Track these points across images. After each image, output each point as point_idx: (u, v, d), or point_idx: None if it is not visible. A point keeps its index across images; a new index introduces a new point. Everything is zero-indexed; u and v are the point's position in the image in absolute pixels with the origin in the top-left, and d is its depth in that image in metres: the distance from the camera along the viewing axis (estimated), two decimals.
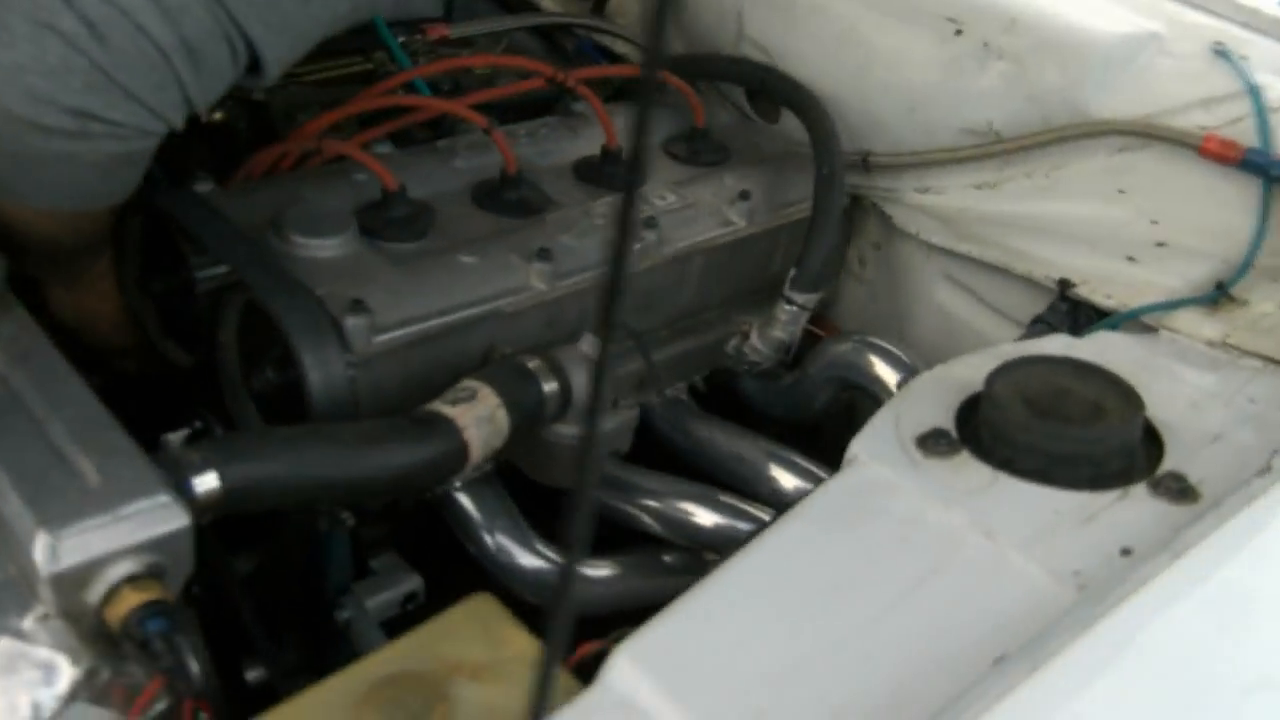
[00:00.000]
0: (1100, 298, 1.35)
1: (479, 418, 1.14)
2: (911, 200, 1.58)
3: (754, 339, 1.48)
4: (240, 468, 1.01)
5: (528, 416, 1.21)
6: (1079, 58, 1.44)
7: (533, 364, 1.23)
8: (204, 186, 1.32)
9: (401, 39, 1.69)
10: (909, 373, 1.43)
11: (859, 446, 1.00)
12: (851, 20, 1.58)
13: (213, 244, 1.23)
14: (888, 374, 1.45)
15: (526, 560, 1.32)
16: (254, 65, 1.11)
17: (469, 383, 1.18)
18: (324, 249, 1.25)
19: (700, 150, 1.58)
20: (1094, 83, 1.43)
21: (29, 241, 1.24)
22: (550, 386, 1.23)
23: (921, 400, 1.05)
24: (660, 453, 1.50)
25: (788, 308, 1.44)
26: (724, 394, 1.59)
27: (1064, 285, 1.36)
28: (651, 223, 1.39)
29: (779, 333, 1.45)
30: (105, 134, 1.02)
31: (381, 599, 1.34)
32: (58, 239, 1.25)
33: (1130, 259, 1.40)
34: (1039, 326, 1.36)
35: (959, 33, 1.50)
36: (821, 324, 1.69)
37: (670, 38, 1.79)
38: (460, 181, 1.43)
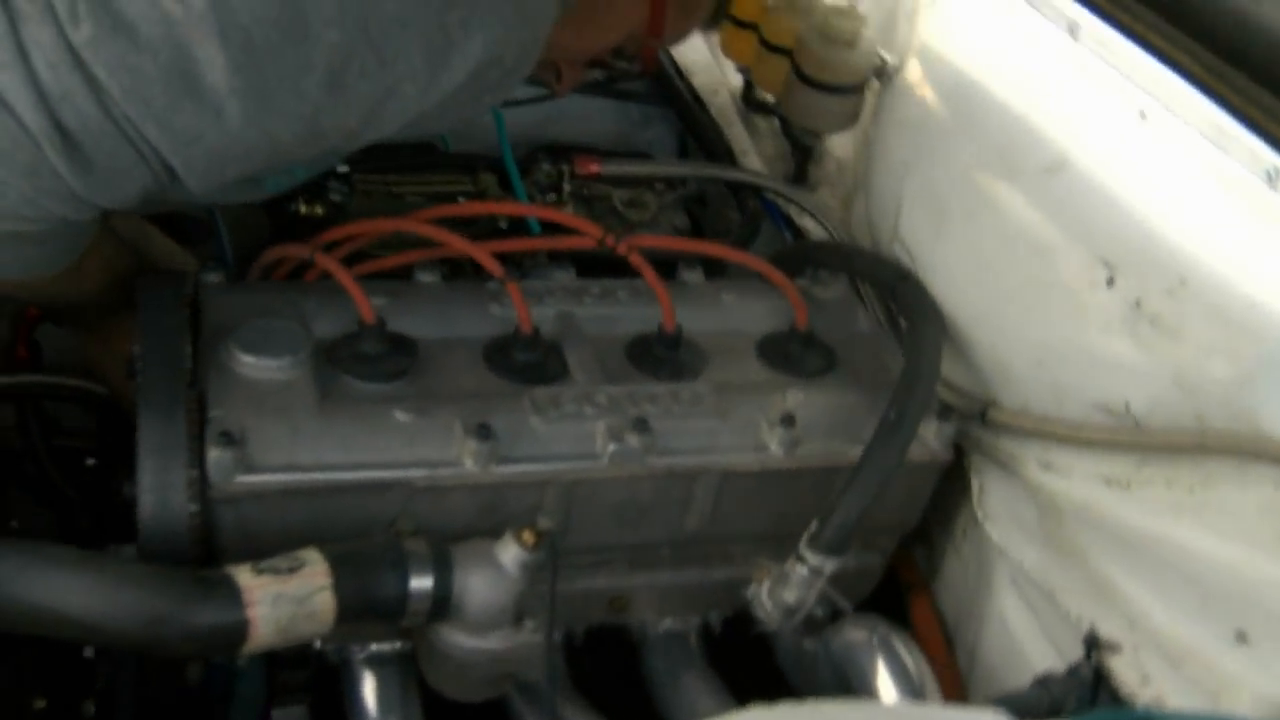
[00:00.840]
0: (1133, 679, 0.99)
1: (280, 595, 1.00)
2: (1032, 475, 1.25)
3: (763, 593, 1.22)
4: None
5: (374, 609, 1.05)
6: (1259, 348, 1.08)
7: (412, 550, 1.07)
8: (211, 276, 1.27)
9: (546, 166, 1.59)
10: (912, 694, 1.12)
11: None
12: (1002, 239, 1.29)
13: (149, 332, 1.17)
14: (887, 690, 1.15)
15: None
16: None
17: (307, 553, 1.03)
18: (261, 369, 1.16)
19: (792, 354, 1.34)
20: (1273, 388, 1.06)
21: (31, 299, 1.25)
22: (421, 583, 1.06)
23: None
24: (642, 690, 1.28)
25: (799, 568, 1.17)
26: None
27: (1091, 644, 1.01)
28: (642, 425, 1.18)
29: (788, 594, 1.19)
30: None
31: None
32: (50, 296, 1.25)
33: (1241, 637, 1.02)
34: (1035, 691, 1.01)
35: (1110, 282, 1.18)
36: (915, 596, 1.40)
37: (840, 223, 1.57)
38: (485, 330, 1.29)
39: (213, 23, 0.93)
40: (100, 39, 0.91)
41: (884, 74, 1.56)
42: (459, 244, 1.29)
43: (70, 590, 0.96)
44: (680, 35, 1.45)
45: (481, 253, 1.27)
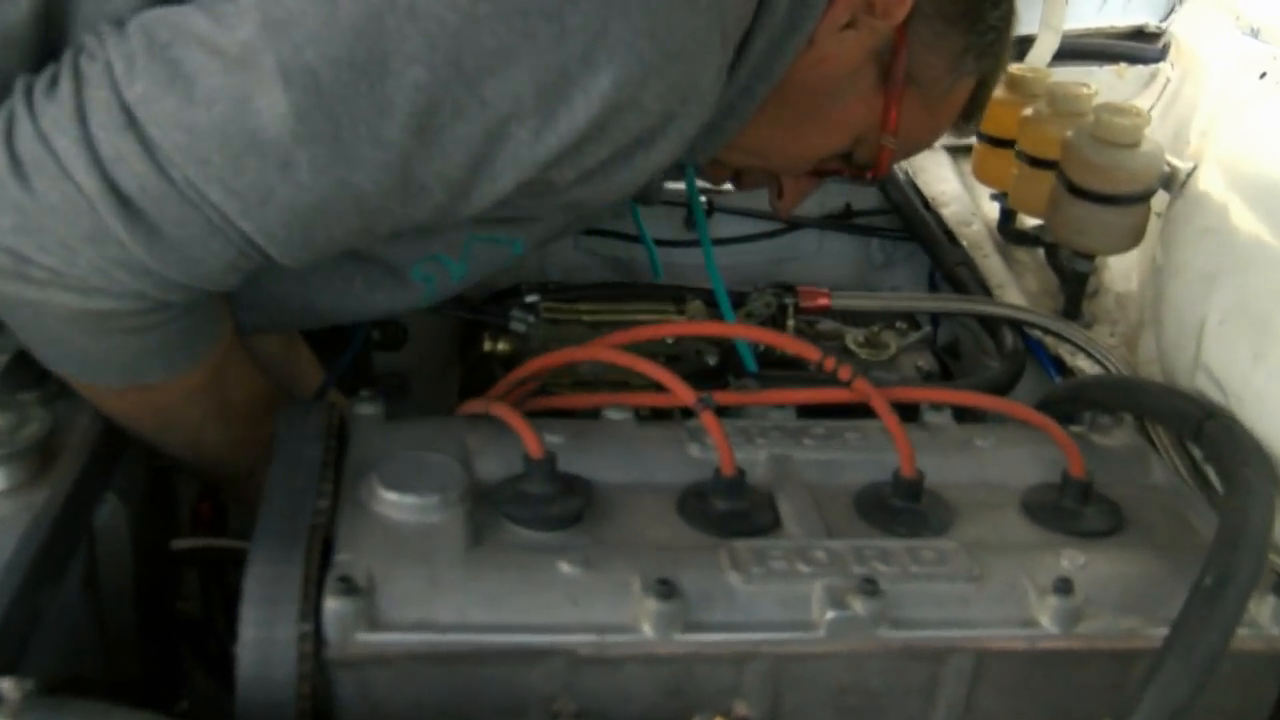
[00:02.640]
0: None
1: None
2: None
3: None
4: None
5: None
6: None
7: None
8: (366, 407, 1.10)
9: (767, 297, 1.38)
10: None
11: None
12: None
13: (277, 462, 1.00)
14: None
15: None
16: None
17: None
18: (403, 509, 0.97)
19: (1065, 510, 1.06)
20: None
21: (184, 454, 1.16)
22: None
23: None
24: None
25: None
26: None
27: None
28: (870, 588, 0.92)
29: None
30: (49, 281, 0.90)
31: None
32: (197, 440, 1.13)
33: None
34: None
35: None
36: None
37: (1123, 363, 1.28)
38: (681, 475, 1.07)
39: (273, 65, 0.83)
40: (152, 95, 0.85)
41: (1174, 181, 1.29)
42: (645, 366, 1.07)
43: None
44: (922, 137, 1.23)
45: (666, 374, 1.06)
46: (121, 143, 0.85)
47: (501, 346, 1.32)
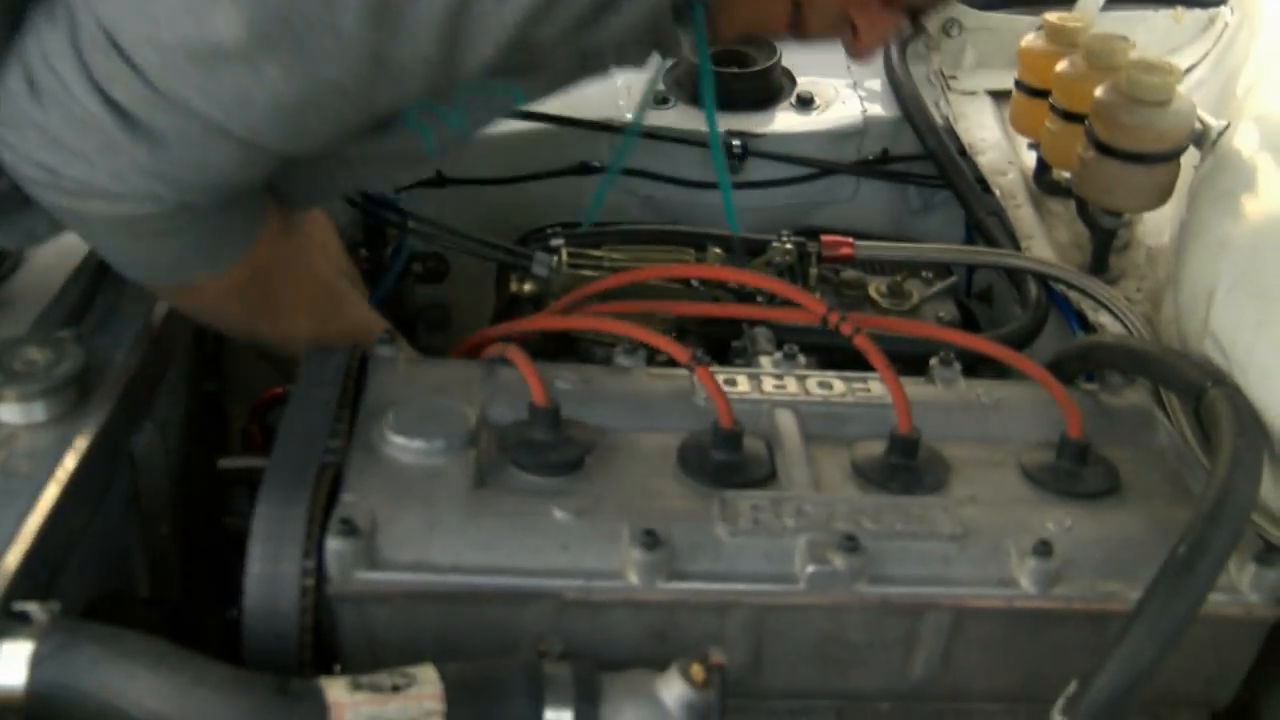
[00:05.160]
0: None
1: (374, 718, 0.83)
2: None
3: None
4: (58, 667, 0.82)
5: None
6: None
7: (552, 676, 0.88)
8: (386, 350, 1.15)
9: (789, 242, 1.40)
10: None
11: None
12: None
13: (292, 404, 1.05)
14: None
15: None
16: None
17: (421, 670, 0.86)
18: (409, 452, 1.01)
19: (1061, 471, 1.08)
20: None
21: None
22: (557, 716, 0.86)
23: None
24: None
25: None
26: None
27: None
28: (851, 544, 0.95)
29: None
30: (79, 190, 0.97)
31: None
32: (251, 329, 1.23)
33: None
34: None
35: None
36: None
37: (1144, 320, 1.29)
38: (685, 424, 1.10)
39: None
40: (122, 17, 0.89)
41: (1205, 140, 1.28)
42: (613, 326, 1.11)
43: (140, 688, 0.83)
44: None
45: (656, 338, 1.09)
46: (108, 64, 0.90)
47: (527, 287, 1.35)
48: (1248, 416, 1.02)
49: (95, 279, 1.20)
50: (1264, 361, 1.05)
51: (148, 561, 1.22)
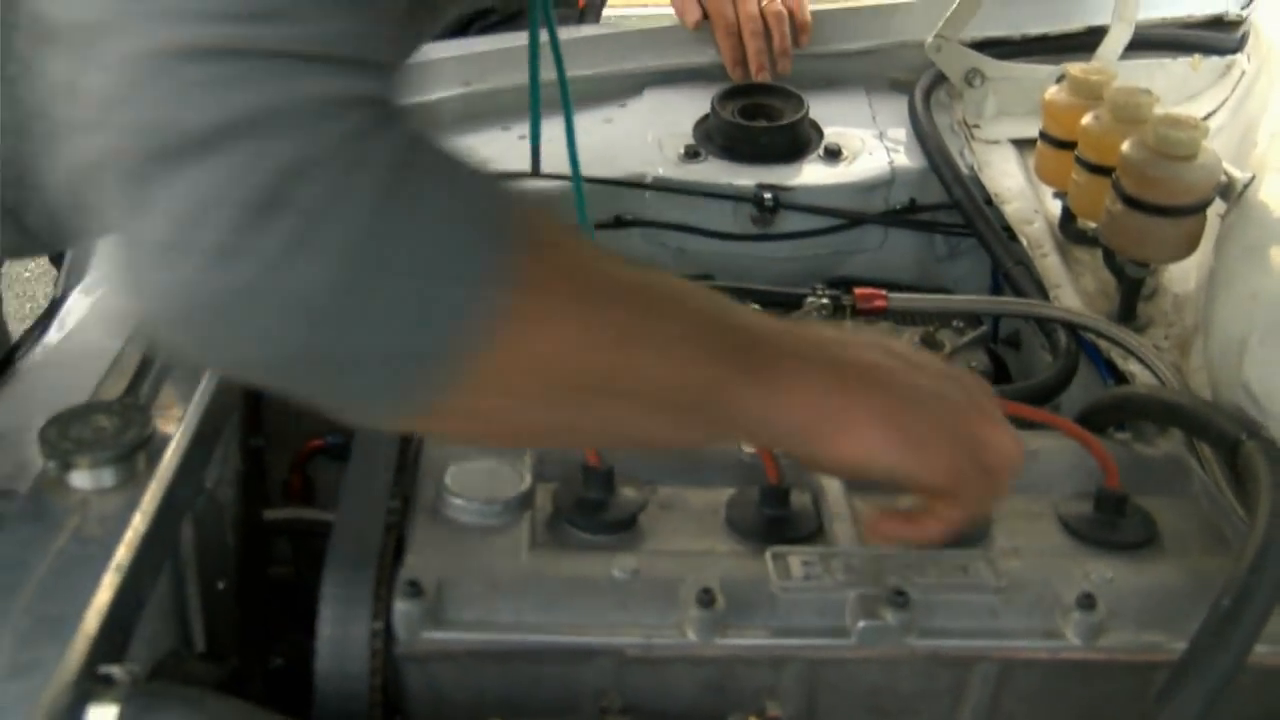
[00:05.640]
0: None
1: None
2: None
3: None
4: None
5: None
6: None
7: None
8: None
9: (825, 295, 1.43)
10: None
11: None
12: None
13: (354, 462, 1.09)
14: None
15: None
16: None
17: None
18: (470, 513, 1.05)
19: (1099, 523, 1.11)
20: None
21: None
22: None
23: None
24: None
25: None
26: None
27: None
28: (899, 599, 0.98)
29: None
30: None
31: None
32: None
33: None
34: None
35: None
36: None
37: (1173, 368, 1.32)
38: (733, 480, 1.13)
39: None
40: None
41: (1231, 192, 1.31)
42: None
43: None
44: None
45: None
46: None
47: None
48: None
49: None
50: None
51: (205, 618, 1.26)
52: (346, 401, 0.74)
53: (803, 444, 0.90)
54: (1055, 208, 1.63)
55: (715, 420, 0.84)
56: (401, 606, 0.95)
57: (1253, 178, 1.30)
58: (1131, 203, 1.33)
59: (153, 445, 1.10)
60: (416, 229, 0.66)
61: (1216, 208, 1.38)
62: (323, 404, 0.75)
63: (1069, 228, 1.59)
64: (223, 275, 0.61)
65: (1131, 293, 1.44)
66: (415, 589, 0.95)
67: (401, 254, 0.65)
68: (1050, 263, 1.55)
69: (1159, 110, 1.39)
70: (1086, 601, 0.99)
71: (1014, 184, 1.68)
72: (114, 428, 1.08)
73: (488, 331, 0.69)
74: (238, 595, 1.31)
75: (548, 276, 0.73)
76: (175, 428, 1.14)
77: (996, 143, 1.76)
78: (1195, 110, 1.70)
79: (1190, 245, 1.36)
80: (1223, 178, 1.32)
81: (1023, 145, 1.74)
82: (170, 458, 1.11)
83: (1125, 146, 1.34)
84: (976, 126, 1.79)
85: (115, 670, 0.89)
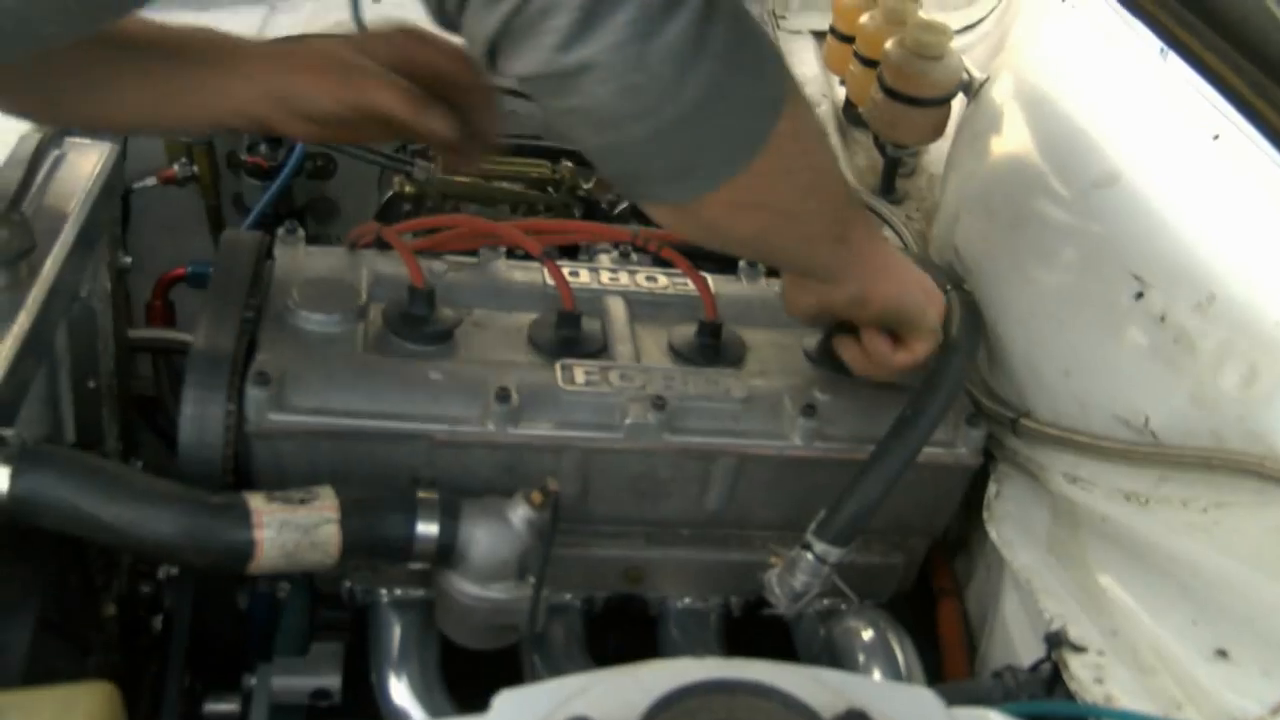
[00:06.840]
0: (1087, 677, 0.97)
1: (287, 522, 1.08)
2: (1058, 487, 1.24)
3: (774, 578, 1.24)
4: (34, 480, 1.04)
5: (379, 547, 1.13)
6: (1275, 370, 1.06)
7: (423, 499, 1.14)
8: (290, 238, 1.37)
9: None
10: None
11: None
12: (1041, 249, 1.29)
13: (216, 279, 1.28)
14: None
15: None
16: None
17: (321, 489, 1.12)
18: (311, 322, 1.25)
19: (828, 350, 1.36)
20: None
21: None
22: (427, 528, 1.13)
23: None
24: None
25: (806, 555, 1.19)
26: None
27: (1053, 641, 1.00)
28: (660, 403, 1.23)
29: (795, 580, 1.20)
30: None
31: (289, 683, 1.29)
32: None
33: (1221, 654, 1.00)
34: (992, 681, 1.01)
35: (1139, 295, 1.17)
36: (943, 603, 1.40)
37: (918, 236, 1.58)
38: (537, 307, 1.36)
39: None
40: None
41: (971, 89, 1.56)
42: (483, 225, 1.38)
43: (103, 498, 1.06)
44: None
45: (519, 234, 1.34)
46: None
47: (408, 188, 1.59)
48: (970, 313, 1.31)
49: (34, 160, 1.38)
50: (989, 272, 1.35)
51: (76, 411, 1.44)
52: (683, 160, 0.98)
53: (858, 280, 1.20)
54: (841, 94, 1.87)
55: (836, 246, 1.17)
56: (252, 392, 1.16)
57: (988, 78, 1.55)
58: (889, 93, 1.58)
59: (33, 257, 1.27)
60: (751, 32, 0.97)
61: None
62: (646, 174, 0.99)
63: (849, 112, 1.83)
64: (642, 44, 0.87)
65: (891, 170, 1.69)
66: (264, 379, 1.16)
67: (747, 51, 0.96)
68: (831, 141, 1.79)
69: (921, 15, 1.63)
70: (809, 411, 1.25)
71: (808, 71, 1.91)
72: (2, 239, 1.25)
73: (769, 135, 0.99)
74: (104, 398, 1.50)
75: (801, 117, 1.04)
76: (53, 241, 1.31)
77: (799, 33, 1.99)
78: (969, 16, 1.94)
79: (936, 131, 1.62)
80: (965, 76, 1.57)
81: (820, 37, 1.97)
82: (50, 267, 1.28)
83: (887, 44, 1.58)
84: (783, 17, 2.01)
85: (8, 433, 1.07)
